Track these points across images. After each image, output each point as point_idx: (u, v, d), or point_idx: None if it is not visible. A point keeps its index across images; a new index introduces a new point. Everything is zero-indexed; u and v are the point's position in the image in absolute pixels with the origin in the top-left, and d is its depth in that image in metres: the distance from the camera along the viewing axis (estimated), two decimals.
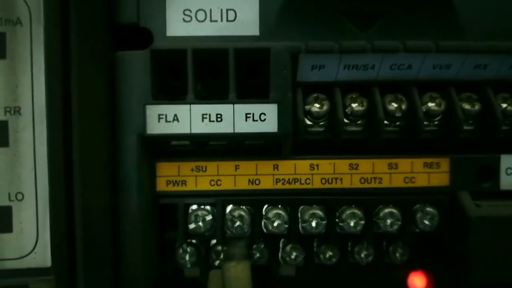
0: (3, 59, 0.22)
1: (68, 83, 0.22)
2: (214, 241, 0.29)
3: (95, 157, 0.24)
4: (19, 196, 0.22)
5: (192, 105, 0.25)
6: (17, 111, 0.22)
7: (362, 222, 0.27)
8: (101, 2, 0.24)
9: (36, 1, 0.22)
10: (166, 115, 0.25)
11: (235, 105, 0.25)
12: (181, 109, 0.25)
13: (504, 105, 0.27)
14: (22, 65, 0.22)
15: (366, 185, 0.27)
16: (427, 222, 0.28)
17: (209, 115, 0.25)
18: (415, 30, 0.26)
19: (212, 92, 0.27)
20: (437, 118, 0.27)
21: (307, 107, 0.27)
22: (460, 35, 0.26)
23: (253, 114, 0.25)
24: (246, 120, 0.25)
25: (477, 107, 0.27)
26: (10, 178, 0.22)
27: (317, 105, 0.27)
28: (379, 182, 0.27)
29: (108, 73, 0.25)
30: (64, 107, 0.22)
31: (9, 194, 0.22)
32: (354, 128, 0.27)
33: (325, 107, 0.27)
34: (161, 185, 0.27)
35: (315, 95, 0.27)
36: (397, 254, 0.29)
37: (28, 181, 0.22)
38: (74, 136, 0.22)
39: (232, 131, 0.25)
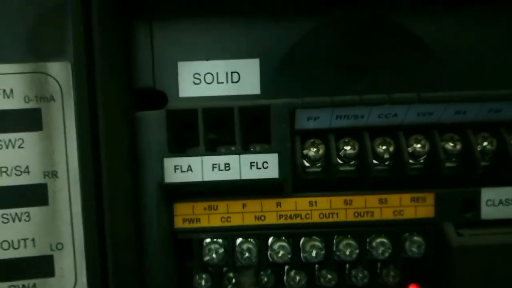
0: (40, 130, 0.26)
1: (97, 147, 0.26)
2: (226, 268, 0.33)
3: (122, 210, 0.28)
4: (59, 246, 0.26)
5: (203, 157, 0.29)
6: (54, 174, 0.26)
7: (357, 251, 0.31)
8: (121, 72, 0.28)
9: (66, 79, 0.26)
10: (181, 166, 0.29)
11: (241, 156, 0.29)
12: (194, 161, 0.29)
13: (484, 143, 0.30)
14: (56, 135, 0.26)
15: (359, 218, 0.31)
16: (415, 250, 0.31)
17: (218, 165, 0.29)
18: (401, 82, 0.30)
19: (221, 138, 0.31)
20: (422, 158, 0.31)
21: (305, 151, 0.30)
22: (441, 86, 0.29)
23: (256, 162, 0.29)
24: (251, 168, 0.29)
25: (458, 146, 0.30)
26: (51, 231, 0.26)
27: (313, 149, 0.30)
28: (371, 216, 0.31)
29: (130, 131, 0.29)
30: (94, 169, 0.26)
31: (50, 244, 0.26)
32: (347, 168, 0.31)
33: (321, 151, 0.30)
34: (178, 223, 0.31)
35: (311, 140, 0.31)
36: (390, 277, 0.32)
37: (66, 233, 0.26)
38: (104, 192, 0.26)
39: (239, 178, 0.29)
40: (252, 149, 0.30)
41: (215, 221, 0.31)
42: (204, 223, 0.31)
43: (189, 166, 0.29)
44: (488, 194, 0.31)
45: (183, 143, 0.30)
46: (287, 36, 0.29)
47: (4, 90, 0.25)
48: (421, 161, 0.31)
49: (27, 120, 0.25)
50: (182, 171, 0.29)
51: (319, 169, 0.31)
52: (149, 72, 0.29)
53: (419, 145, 0.30)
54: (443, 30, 0.29)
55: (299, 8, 0.29)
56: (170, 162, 0.29)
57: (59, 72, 0.25)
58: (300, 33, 0.29)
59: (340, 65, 0.29)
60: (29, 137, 0.25)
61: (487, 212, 0.31)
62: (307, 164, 0.31)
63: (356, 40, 0.29)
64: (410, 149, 0.30)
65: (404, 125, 0.30)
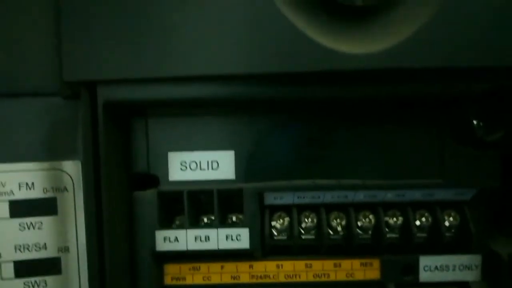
0: (56, 215, 0.32)
1: (101, 225, 0.32)
2: None
3: (121, 273, 0.34)
4: None
5: (188, 230, 0.35)
6: (66, 249, 0.32)
7: None
8: (121, 160, 0.35)
9: (77, 174, 0.32)
10: (169, 237, 0.35)
11: (218, 229, 0.35)
12: (180, 233, 0.35)
13: (422, 219, 0.37)
14: (69, 218, 0.32)
15: (317, 279, 0.37)
16: None
17: (200, 236, 0.35)
18: (349, 169, 0.36)
19: (204, 207, 0.38)
20: (370, 230, 0.37)
21: (273, 222, 0.37)
22: (383, 174, 0.36)
23: (231, 235, 0.35)
24: (226, 240, 0.35)
25: (399, 221, 0.37)
26: None
27: (280, 221, 0.37)
28: (327, 277, 0.37)
29: (128, 208, 0.35)
30: (98, 243, 0.32)
31: None
32: (308, 237, 0.37)
33: (286, 223, 0.37)
34: (168, 281, 0.37)
35: (278, 213, 0.37)
36: None
37: None
38: (106, 261, 0.33)
39: (217, 248, 0.36)
40: (229, 220, 0.37)
41: (198, 280, 0.37)
42: (189, 281, 0.37)
43: (176, 237, 0.35)
44: (425, 261, 0.37)
45: (172, 213, 0.37)
46: (257, 133, 0.35)
47: (27, 183, 0.31)
48: (369, 232, 0.37)
49: (45, 207, 0.32)
50: (170, 241, 0.35)
51: (284, 237, 0.37)
52: (144, 160, 0.35)
53: (366, 220, 0.37)
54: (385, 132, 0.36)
55: (266, 108, 0.35)
56: (160, 234, 0.35)
57: (72, 168, 0.32)
58: (268, 129, 0.35)
59: (298, 155, 0.36)
60: (46, 220, 0.32)
61: (424, 276, 0.37)
62: (274, 233, 0.37)
63: (312, 139, 0.35)
64: (359, 223, 0.37)
65: (355, 203, 0.37)
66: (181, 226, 0.36)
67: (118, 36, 0.29)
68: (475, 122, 0.34)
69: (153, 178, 0.36)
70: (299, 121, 0.36)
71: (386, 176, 0.36)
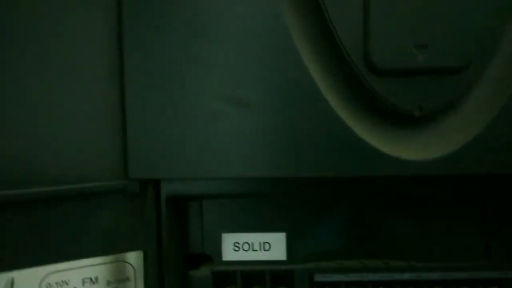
0: None
1: None
2: None
3: None
4: None
5: None
6: None
7: None
8: (179, 243, 0.36)
9: (139, 264, 0.34)
10: None
11: None
12: None
13: None
14: None
15: None
16: None
17: None
18: (396, 250, 0.37)
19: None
20: None
21: None
22: (429, 255, 0.37)
23: None
24: None
25: None
26: None
27: None
28: None
29: (183, 285, 0.37)
30: None
31: None
32: None
33: None
34: None
35: None
36: None
37: None
38: None
39: None
40: None
41: None
42: None
43: None
44: None
45: None
46: (307, 215, 0.37)
47: (91, 278, 0.33)
48: None
49: None
50: None
51: None
52: (199, 240, 0.37)
53: None
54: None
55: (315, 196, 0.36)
56: None
57: (134, 259, 0.33)
58: (317, 212, 0.37)
59: (347, 236, 0.37)
60: None
61: None
62: None
63: (360, 220, 0.37)
64: None
65: (401, 281, 0.38)
66: None
67: (183, 136, 0.31)
68: None
69: (206, 258, 0.37)
70: (347, 205, 0.37)
71: (432, 257, 0.37)
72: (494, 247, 0.37)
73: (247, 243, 0.37)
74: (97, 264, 0.33)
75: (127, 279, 0.33)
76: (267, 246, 0.37)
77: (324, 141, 0.30)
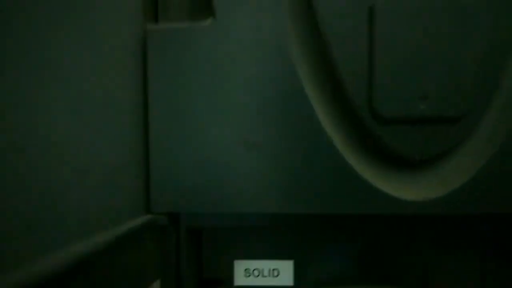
0: None
1: None
2: None
3: None
4: None
5: None
6: None
7: None
8: (195, 269, 0.39)
9: None
10: None
11: None
12: None
13: None
14: None
15: None
16: None
17: None
18: (395, 277, 0.40)
19: None
20: None
21: None
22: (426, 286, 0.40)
23: None
24: None
25: None
26: None
27: None
28: None
29: None
30: None
31: None
32: None
33: None
34: None
35: None
36: None
37: None
38: None
39: None
40: None
41: None
42: None
43: None
44: None
45: None
46: (314, 243, 0.39)
47: None
48: None
49: None
50: None
51: None
52: (213, 267, 0.40)
53: None
54: None
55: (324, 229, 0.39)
56: None
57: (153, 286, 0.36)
58: (323, 241, 0.39)
59: (351, 263, 0.40)
60: None
61: None
62: None
63: (363, 248, 0.39)
64: None
65: None
66: None
67: (202, 175, 0.33)
68: None
69: (219, 283, 0.40)
70: (351, 234, 0.39)
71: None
72: (489, 281, 0.39)
73: (257, 269, 0.39)
74: None
75: None
76: (276, 273, 0.39)
77: (331, 182, 0.33)
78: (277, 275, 0.39)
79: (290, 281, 0.39)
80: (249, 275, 0.39)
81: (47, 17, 0.25)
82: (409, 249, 0.39)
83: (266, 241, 0.39)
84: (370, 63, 0.32)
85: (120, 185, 0.34)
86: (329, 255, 0.39)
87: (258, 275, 0.39)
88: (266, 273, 0.39)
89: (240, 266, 0.39)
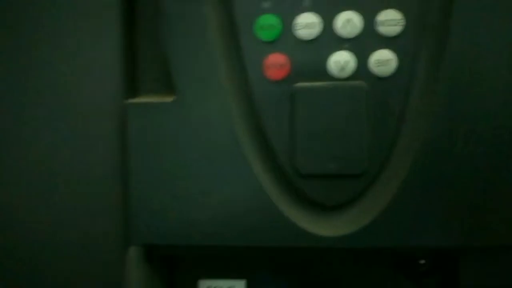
0: None
1: None
2: None
3: None
4: None
5: None
6: None
7: None
8: None
9: None
10: None
11: None
12: None
13: None
14: None
15: None
16: None
17: None
18: None
19: None
20: None
21: None
22: None
23: None
24: None
25: None
26: None
27: None
28: None
29: None
30: None
31: None
32: None
33: None
34: None
35: None
36: None
37: None
38: None
39: None
40: None
41: None
42: None
43: None
44: None
45: None
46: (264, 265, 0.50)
47: None
48: None
49: None
50: None
51: None
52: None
53: None
54: None
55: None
56: None
57: None
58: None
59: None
60: None
61: None
62: None
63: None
64: None
65: None
66: None
67: (176, 207, 0.44)
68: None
69: None
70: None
71: None
72: None
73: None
74: None
75: None
76: None
77: (261, 221, 0.43)
78: None
79: None
80: None
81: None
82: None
83: (222, 261, 0.50)
84: (292, 134, 0.42)
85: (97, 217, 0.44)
86: (279, 276, 0.50)
87: None
88: None
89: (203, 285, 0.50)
